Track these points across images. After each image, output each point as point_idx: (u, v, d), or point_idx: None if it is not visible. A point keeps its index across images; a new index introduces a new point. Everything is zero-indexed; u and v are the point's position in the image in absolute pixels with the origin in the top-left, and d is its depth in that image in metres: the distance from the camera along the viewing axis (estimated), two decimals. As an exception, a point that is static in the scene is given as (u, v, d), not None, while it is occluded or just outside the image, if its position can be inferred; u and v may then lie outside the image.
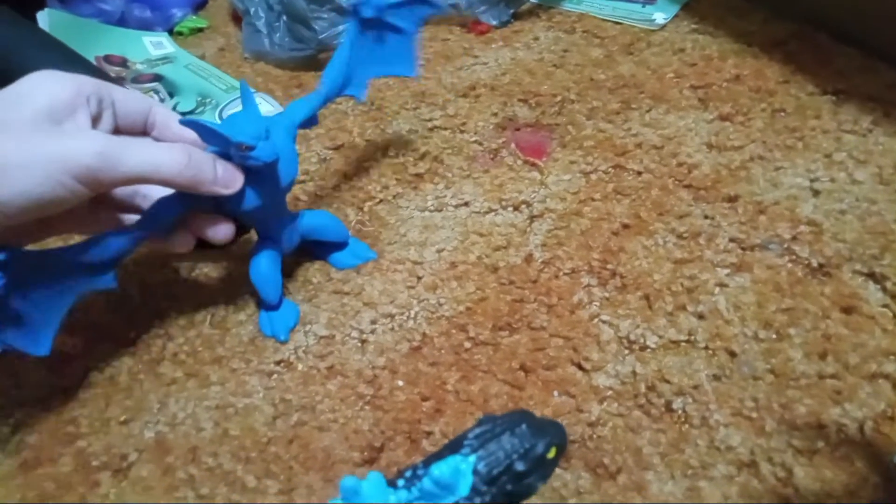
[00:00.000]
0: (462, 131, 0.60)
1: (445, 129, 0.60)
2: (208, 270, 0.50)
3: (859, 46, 0.61)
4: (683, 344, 0.42)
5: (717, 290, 0.44)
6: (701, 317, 0.43)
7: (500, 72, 0.65)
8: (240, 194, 0.37)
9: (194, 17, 0.81)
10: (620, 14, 0.69)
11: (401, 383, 0.42)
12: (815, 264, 0.45)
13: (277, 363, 0.43)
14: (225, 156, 0.36)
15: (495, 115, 0.61)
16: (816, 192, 0.50)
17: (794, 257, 0.46)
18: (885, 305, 0.42)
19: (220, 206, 0.38)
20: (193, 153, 0.34)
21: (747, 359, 0.40)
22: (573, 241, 0.49)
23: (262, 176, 0.37)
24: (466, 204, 0.53)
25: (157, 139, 0.38)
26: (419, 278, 0.48)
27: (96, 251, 0.36)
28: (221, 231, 0.39)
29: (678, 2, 0.70)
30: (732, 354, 0.41)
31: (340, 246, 0.48)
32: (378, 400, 0.41)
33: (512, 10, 0.71)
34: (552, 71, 0.64)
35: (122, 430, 0.41)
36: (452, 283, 0.47)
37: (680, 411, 0.38)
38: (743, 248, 0.46)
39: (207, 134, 0.34)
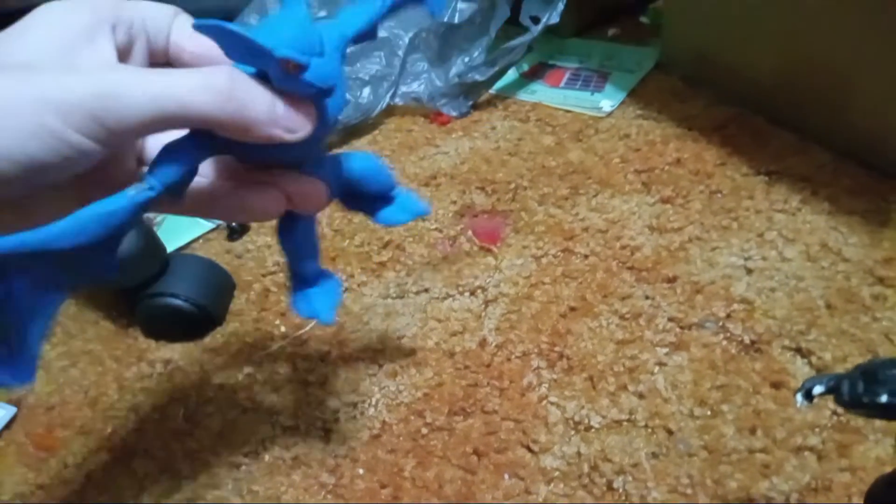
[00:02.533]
0: (423, 219, 0.63)
1: (408, 217, 0.64)
2: (183, 364, 0.53)
3: (793, 129, 0.66)
4: (625, 423, 0.44)
5: (656, 369, 0.47)
6: (641, 396, 0.46)
7: (459, 161, 0.70)
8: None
9: None
10: (571, 103, 0.75)
11: (361, 471, 0.44)
12: (747, 341, 0.48)
13: (245, 455, 0.46)
14: (260, 78, 0.25)
15: (454, 202, 0.65)
16: (749, 271, 0.53)
17: (728, 335, 0.49)
18: (816, 375, 0.45)
19: (249, 152, 0.28)
20: (238, 78, 0.24)
21: (683, 436, 0.43)
22: (524, 325, 0.52)
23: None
24: (426, 290, 0.56)
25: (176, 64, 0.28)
26: (380, 366, 0.50)
27: (90, 225, 0.24)
28: (315, 199, 0.30)
29: (624, 89, 0.75)
30: (670, 432, 0.43)
31: (386, 198, 0.38)
32: (340, 489, 0.43)
33: (471, 102, 0.76)
34: (507, 159, 0.69)
35: (95, 527, 0.43)
36: (411, 370, 0.50)
37: (620, 490, 0.41)
38: (681, 328, 0.50)
39: (234, 45, 0.23)
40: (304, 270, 0.35)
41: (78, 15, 0.25)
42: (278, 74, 0.24)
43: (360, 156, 0.35)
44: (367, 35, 0.29)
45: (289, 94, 0.25)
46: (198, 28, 0.23)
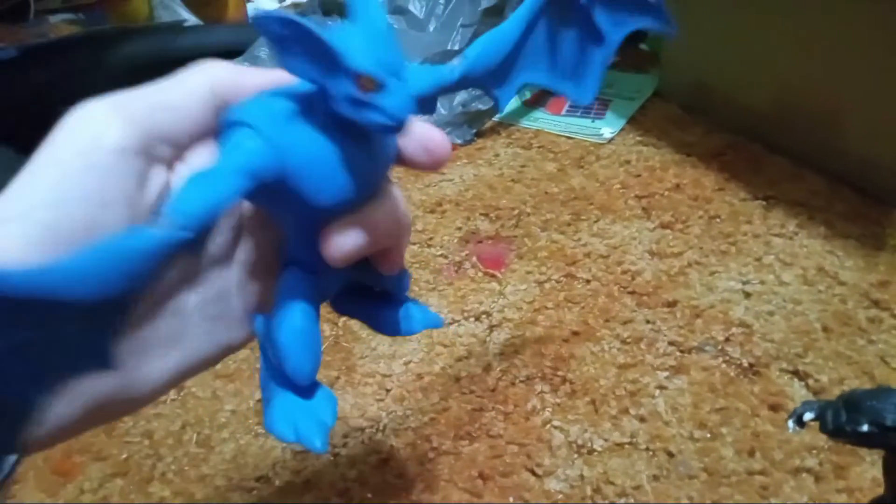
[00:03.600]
0: (429, 245, 0.65)
1: (415, 243, 0.66)
2: (197, 390, 0.55)
3: (789, 155, 0.68)
4: (627, 446, 0.46)
5: (657, 392, 0.48)
6: (642, 419, 0.47)
7: (464, 188, 0.72)
8: (330, 169, 0.21)
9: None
10: (572, 129, 0.76)
11: (370, 495, 0.45)
12: (745, 364, 0.49)
13: (257, 479, 0.47)
14: (315, 98, 0.20)
15: (459, 228, 0.66)
16: (748, 295, 0.55)
17: (727, 358, 0.50)
18: (809, 400, 0.46)
19: (277, 196, 0.21)
20: None
21: (683, 458, 0.44)
22: (528, 350, 0.53)
23: (370, 144, 0.21)
24: (432, 316, 0.58)
25: None
26: (388, 391, 0.52)
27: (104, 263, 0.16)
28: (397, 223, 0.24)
29: (624, 116, 0.77)
30: (670, 454, 0.44)
31: (393, 301, 0.29)
32: (349, 511, 0.44)
33: (475, 130, 0.78)
34: (511, 185, 0.70)
35: (112, 551, 0.44)
36: (418, 395, 0.51)
37: (623, 512, 0.42)
38: (681, 351, 0.51)
39: (300, 46, 0.18)
40: (300, 373, 0.23)
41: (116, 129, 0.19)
42: (347, 93, 0.19)
43: None
44: (428, 104, 0.24)
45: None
46: (256, 21, 0.18)
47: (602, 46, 0.27)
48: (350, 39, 0.19)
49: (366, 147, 0.21)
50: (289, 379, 0.23)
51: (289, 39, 0.18)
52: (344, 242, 0.22)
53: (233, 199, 0.19)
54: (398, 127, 0.20)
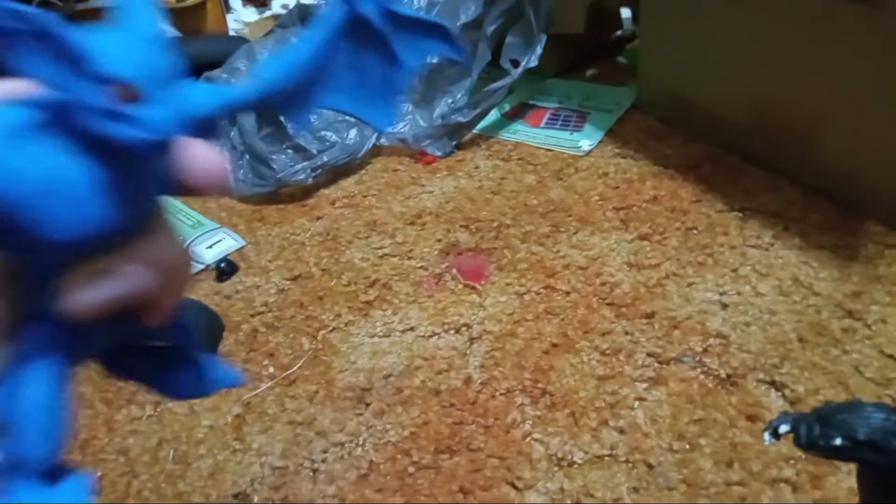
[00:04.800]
0: (409, 257, 0.65)
1: (394, 255, 0.66)
2: (173, 406, 0.54)
3: (765, 167, 0.69)
4: (606, 458, 0.46)
5: (636, 404, 0.49)
6: (622, 431, 0.47)
7: (444, 199, 0.72)
8: (70, 197, 0.17)
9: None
10: (551, 142, 0.77)
11: (349, 510, 0.45)
12: (723, 375, 0.50)
13: (235, 496, 0.47)
14: (56, 110, 0.16)
15: (439, 241, 0.66)
16: (725, 306, 0.55)
17: (705, 369, 0.50)
18: (785, 412, 0.47)
19: (4, 232, 0.16)
20: None
21: (663, 470, 0.44)
22: (508, 362, 0.53)
23: (129, 168, 0.17)
24: (412, 329, 0.57)
25: None
26: (367, 405, 0.51)
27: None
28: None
29: (602, 128, 0.78)
30: (650, 466, 0.45)
31: (179, 358, 0.24)
32: (328, 528, 0.44)
33: (455, 142, 0.79)
34: (490, 198, 0.71)
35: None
36: (398, 409, 0.51)
37: (603, 525, 0.42)
38: (659, 363, 0.51)
39: (38, 44, 0.15)
40: (34, 452, 0.19)
41: None
42: (97, 103, 0.16)
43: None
44: (208, 123, 0.20)
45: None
46: None
47: (400, 73, 0.25)
48: (105, 41, 0.16)
49: (124, 171, 0.17)
50: (28, 463, 0.19)
51: (23, 35, 0.15)
52: (86, 294, 0.18)
53: None
54: (159, 144, 0.17)
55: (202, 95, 0.19)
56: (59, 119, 0.16)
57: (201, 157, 0.19)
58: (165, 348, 0.23)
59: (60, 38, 0.15)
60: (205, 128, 0.20)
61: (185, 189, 0.20)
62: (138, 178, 0.18)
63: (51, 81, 0.16)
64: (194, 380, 0.24)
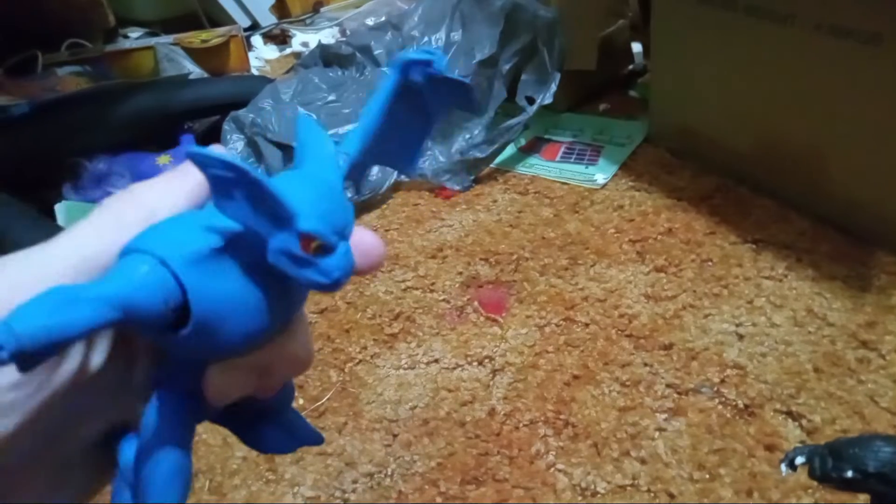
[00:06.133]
0: (432, 290, 0.67)
1: (417, 288, 0.68)
2: (207, 436, 0.56)
3: (774, 197, 0.71)
4: (629, 488, 0.47)
5: (656, 434, 0.50)
6: (643, 461, 0.48)
7: (463, 233, 0.74)
8: (243, 314, 0.18)
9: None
10: (567, 175, 0.79)
11: (380, 540, 0.46)
12: (741, 405, 0.51)
13: (269, 526, 0.48)
14: (237, 238, 0.18)
15: (460, 273, 0.68)
16: (741, 337, 0.57)
17: (723, 399, 0.52)
18: (802, 441, 0.48)
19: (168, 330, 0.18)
20: None
21: (684, 500, 0.46)
22: (530, 393, 0.55)
23: (289, 288, 0.20)
24: (436, 361, 0.59)
25: None
26: (395, 436, 0.53)
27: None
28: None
29: (616, 161, 0.80)
30: (671, 496, 0.46)
31: (272, 416, 0.26)
32: (360, 557, 0.46)
33: (473, 176, 0.81)
34: (509, 231, 0.73)
35: None
36: (425, 440, 0.53)
37: (627, 554, 0.43)
38: (678, 393, 0.53)
39: (239, 191, 0.17)
40: None
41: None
42: (287, 249, 0.17)
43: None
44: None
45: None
46: (196, 159, 0.16)
47: (428, 126, 0.27)
48: (299, 194, 0.17)
49: (284, 291, 0.19)
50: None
51: (230, 183, 0.16)
52: (229, 388, 0.19)
53: (88, 329, 0.16)
54: (335, 288, 0.18)
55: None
56: (243, 248, 0.18)
57: (364, 242, 0.21)
58: (262, 408, 0.25)
59: (266, 189, 0.16)
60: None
61: None
62: (296, 295, 0.20)
63: (247, 222, 0.17)
64: (283, 437, 0.25)
